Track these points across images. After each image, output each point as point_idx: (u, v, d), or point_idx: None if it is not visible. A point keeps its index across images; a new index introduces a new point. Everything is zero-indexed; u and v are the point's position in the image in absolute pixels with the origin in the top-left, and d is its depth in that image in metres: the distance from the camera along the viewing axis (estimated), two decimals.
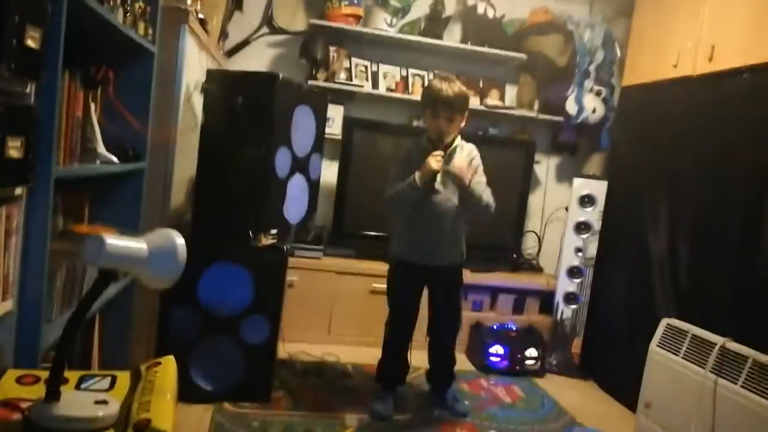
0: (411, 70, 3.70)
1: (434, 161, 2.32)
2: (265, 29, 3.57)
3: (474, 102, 3.70)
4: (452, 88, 2.35)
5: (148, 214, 2.15)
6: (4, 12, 1.10)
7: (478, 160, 2.49)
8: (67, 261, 1.61)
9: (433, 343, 2.66)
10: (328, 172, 3.48)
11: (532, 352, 3.21)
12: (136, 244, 1.15)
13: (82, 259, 1.11)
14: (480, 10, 3.63)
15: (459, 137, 2.48)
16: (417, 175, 2.34)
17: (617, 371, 3.05)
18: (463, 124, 2.45)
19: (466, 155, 2.46)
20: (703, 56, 2.68)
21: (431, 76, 3.70)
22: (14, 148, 1.20)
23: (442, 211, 2.42)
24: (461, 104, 2.38)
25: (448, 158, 2.39)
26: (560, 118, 3.70)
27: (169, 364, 1.34)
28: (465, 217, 2.49)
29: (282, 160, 2.38)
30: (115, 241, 1.10)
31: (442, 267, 2.50)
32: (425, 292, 2.59)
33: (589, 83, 3.57)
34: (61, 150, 1.49)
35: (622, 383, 2.93)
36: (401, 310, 2.56)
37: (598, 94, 3.59)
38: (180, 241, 1.19)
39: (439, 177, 2.38)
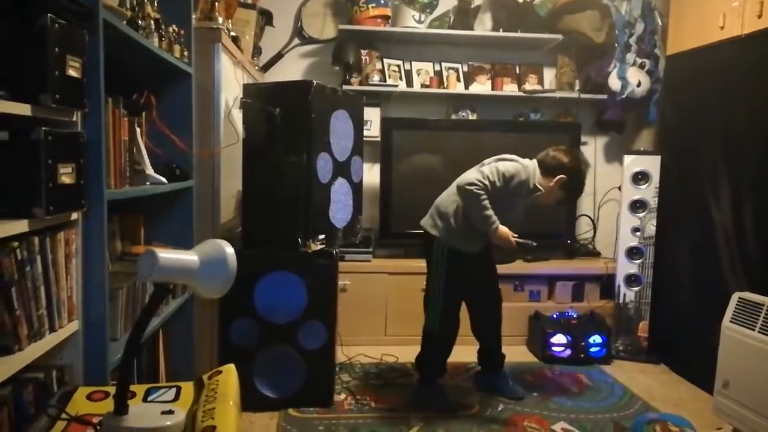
0: (444, 64, 3.67)
1: (508, 245, 2.39)
2: (296, 41, 3.62)
3: (512, 88, 3.64)
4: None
5: (200, 230, 2.21)
6: (44, 44, 1.16)
7: None
8: (128, 282, 1.67)
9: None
10: (370, 174, 3.49)
11: (596, 338, 3.10)
12: (188, 256, 1.18)
13: (138, 275, 1.14)
14: None
15: None
16: (500, 228, 2.35)
17: (689, 352, 2.91)
18: None
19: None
20: (752, 13, 2.54)
21: (465, 68, 3.65)
22: (66, 175, 1.25)
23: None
24: None
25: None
26: (604, 96, 3.57)
27: (229, 372, 1.36)
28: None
29: (323, 166, 2.40)
30: (167, 254, 1.13)
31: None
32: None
33: (631, 56, 3.44)
34: (112, 174, 1.54)
35: (696, 364, 2.80)
36: None
37: (641, 66, 3.45)
38: (229, 249, 1.21)
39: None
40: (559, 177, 2.40)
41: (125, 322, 1.66)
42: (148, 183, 1.81)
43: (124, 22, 1.58)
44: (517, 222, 2.46)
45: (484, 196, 2.31)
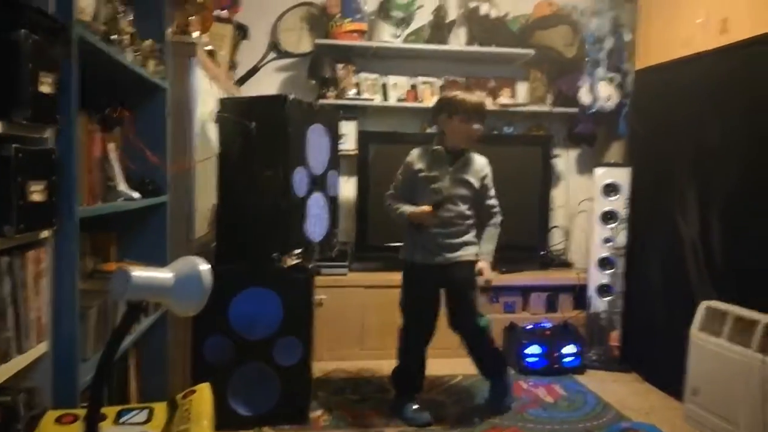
0: (420, 78, 3.71)
1: (429, 219, 2.42)
2: (272, 54, 3.63)
3: (486, 102, 3.69)
4: (483, 98, 2.55)
5: (174, 246, 2.18)
6: (17, 61, 1.14)
7: (489, 175, 2.57)
8: (98, 300, 1.64)
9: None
10: (347, 187, 3.49)
11: (569, 349, 3.15)
12: (162, 274, 1.16)
13: (111, 294, 1.12)
14: (483, 11, 3.62)
15: (467, 147, 2.54)
16: (408, 212, 2.46)
17: (659, 361, 2.97)
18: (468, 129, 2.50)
19: (478, 168, 2.53)
20: (715, 30, 2.63)
21: (441, 81, 3.70)
22: (37, 192, 1.23)
23: (448, 219, 2.47)
24: (459, 108, 2.45)
25: (459, 165, 2.50)
26: (575, 110, 3.66)
27: (204, 392, 1.35)
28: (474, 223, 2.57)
29: (299, 180, 2.40)
30: (140, 272, 1.12)
31: (451, 263, 2.51)
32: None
33: (601, 71, 3.53)
34: (84, 191, 1.52)
35: (666, 372, 2.85)
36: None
37: (611, 81, 3.54)
38: (204, 266, 1.20)
39: (447, 182, 2.47)
40: (444, 114, 2.48)
41: (95, 342, 1.62)
42: (120, 199, 1.79)
43: (98, 37, 1.57)
44: (446, 193, 2.47)
45: (388, 202, 2.57)
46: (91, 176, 1.59)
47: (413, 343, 2.57)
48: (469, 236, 2.53)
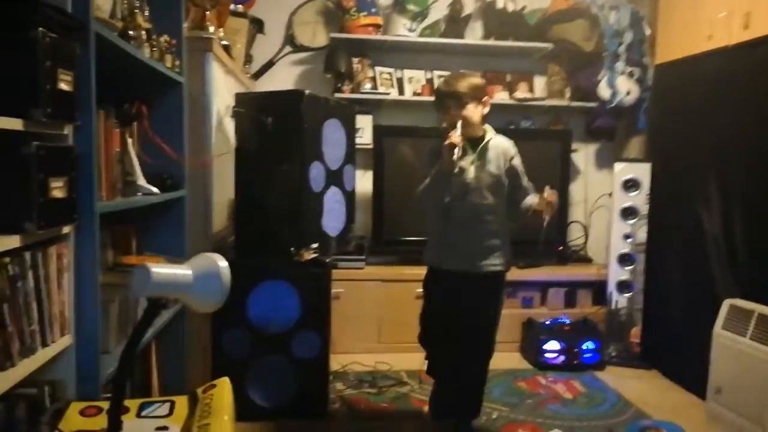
0: (436, 72, 3.68)
1: (453, 137, 2.10)
2: (287, 48, 3.62)
3: (503, 96, 3.66)
4: (454, 78, 2.25)
5: (193, 240, 2.19)
6: (35, 58, 1.15)
7: (517, 158, 2.29)
8: (120, 293, 1.65)
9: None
10: (363, 181, 3.48)
11: (589, 345, 3.11)
12: (181, 271, 1.17)
13: (131, 291, 1.13)
14: (500, 4, 3.59)
15: (492, 132, 2.30)
16: (440, 163, 2.17)
17: (681, 358, 2.93)
18: (485, 111, 2.25)
19: (501, 153, 2.25)
20: (738, 24, 2.57)
21: None
22: (57, 189, 1.24)
23: (477, 212, 2.22)
24: (468, 90, 2.19)
25: (482, 152, 2.23)
26: (594, 104, 3.61)
27: (224, 386, 1.35)
28: (506, 217, 2.29)
29: (316, 175, 2.40)
30: (160, 269, 1.12)
31: (478, 274, 2.23)
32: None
33: (620, 65, 3.48)
34: (103, 186, 1.53)
35: (688, 370, 2.81)
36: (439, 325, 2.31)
37: (630, 75, 3.49)
38: (223, 263, 1.20)
39: (473, 172, 2.21)
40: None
41: (117, 335, 1.64)
42: (139, 194, 1.80)
43: (116, 33, 1.58)
44: (466, 185, 2.22)
45: (419, 189, 2.25)
46: (110, 172, 1.60)
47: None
48: (497, 241, 2.25)
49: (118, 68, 1.71)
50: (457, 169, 2.19)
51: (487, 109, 2.26)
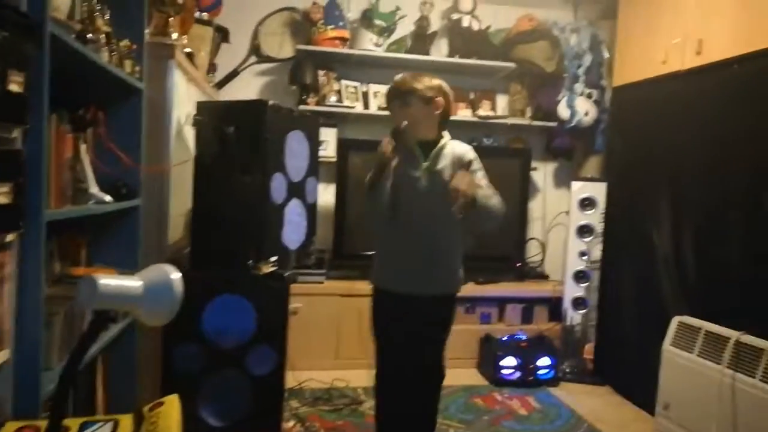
0: None
1: (384, 141, 1.98)
2: (253, 58, 3.59)
3: (466, 113, 3.71)
4: (404, 76, 2.11)
5: (146, 251, 2.13)
6: None
7: (476, 163, 2.06)
8: (65, 306, 1.58)
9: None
10: (325, 195, 3.47)
11: (544, 361, 3.16)
12: (131, 282, 1.13)
13: (77, 302, 1.08)
14: (465, 23, 3.65)
15: (447, 137, 2.11)
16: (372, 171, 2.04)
17: (632, 374, 3.00)
18: (435, 113, 2.06)
19: (457, 158, 2.03)
20: (691, 50, 2.68)
21: None
22: (3, 194, 1.18)
23: (427, 225, 2.02)
24: (414, 88, 2.03)
25: (434, 158, 2.05)
26: (554, 124, 3.70)
27: (172, 404, 1.31)
28: (461, 230, 2.07)
29: (277, 186, 2.36)
30: (108, 280, 1.08)
31: (426, 296, 2.03)
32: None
33: (579, 87, 3.58)
34: (52, 193, 1.47)
35: (638, 386, 2.88)
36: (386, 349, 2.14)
37: (589, 96, 3.60)
38: (175, 275, 1.16)
39: (423, 180, 2.03)
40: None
41: (61, 350, 1.56)
42: (91, 202, 1.73)
43: (73, 35, 1.53)
44: (415, 194, 2.05)
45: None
46: (60, 178, 1.54)
47: None
48: (448, 258, 2.05)
49: (75, 72, 1.66)
50: (396, 179, 2.02)
51: (437, 112, 2.07)
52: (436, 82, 2.11)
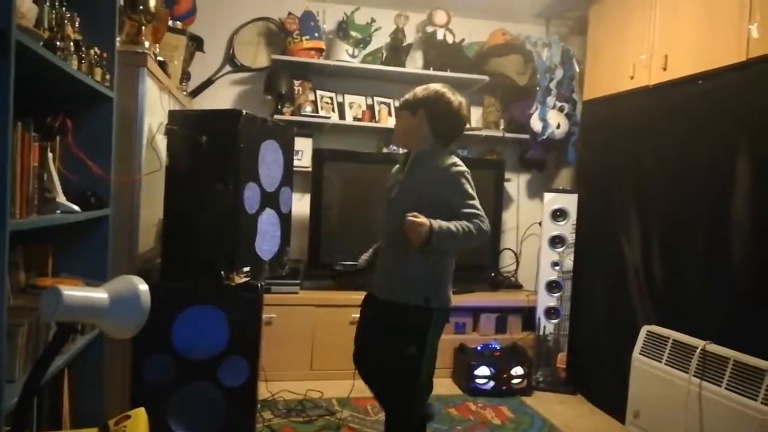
0: (376, 99, 3.73)
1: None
2: (227, 68, 3.58)
3: None
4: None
5: (117, 261, 2.09)
6: None
7: (449, 180, 1.97)
8: (30, 317, 1.55)
9: None
10: (300, 204, 3.46)
11: (517, 370, 3.18)
12: (97, 294, 1.11)
13: (40, 313, 1.06)
14: (440, 36, 3.70)
15: (431, 148, 2.06)
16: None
17: (603, 383, 3.04)
18: (418, 123, 2.08)
19: (432, 168, 2.00)
20: (657, 66, 2.76)
21: (396, 103, 3.73)
22: None
23: (396, 234, 1.99)
24: (405, 98, 2.13)
25: (410, 168, 2.07)
26: (526, 136, 3.75)
27: (139, 417, 1.28)
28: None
29: (251, 196, 2.35)
30: (72, 292, 1.06)
31: (388, 301, 2.05)
32: None
33: (551, 100, 3.64)
34: (17, 202, 1.44)
35: (610, 395, 2.92)
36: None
37: (561, 110, 3.66)
38: (143, 287, 1.15)
39: (396, 189, 2.08)
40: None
41: (25, 363, 1.53)
42: (59, 212, 1.70)
43: (41, 43, 1.51)
44: (389, 202, 2.13)
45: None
46: (26, 187, 1.51)
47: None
48: (416, 269, 1.98)
49: (43, 80, 1.63)
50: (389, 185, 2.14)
51: (420, 121, 2.08)
52: (427, 92, 2.13)
